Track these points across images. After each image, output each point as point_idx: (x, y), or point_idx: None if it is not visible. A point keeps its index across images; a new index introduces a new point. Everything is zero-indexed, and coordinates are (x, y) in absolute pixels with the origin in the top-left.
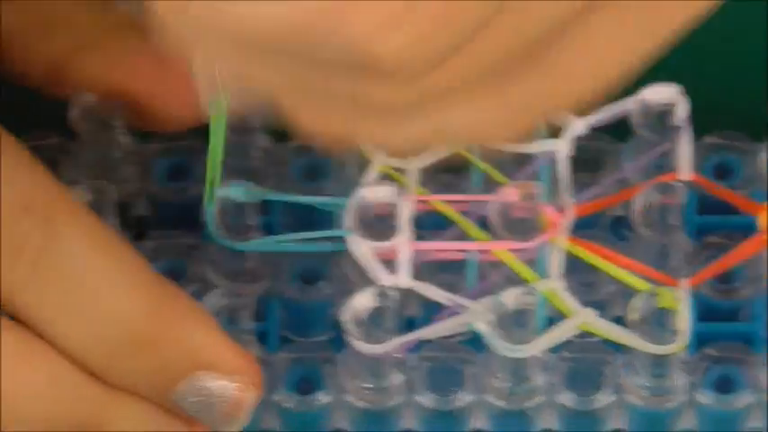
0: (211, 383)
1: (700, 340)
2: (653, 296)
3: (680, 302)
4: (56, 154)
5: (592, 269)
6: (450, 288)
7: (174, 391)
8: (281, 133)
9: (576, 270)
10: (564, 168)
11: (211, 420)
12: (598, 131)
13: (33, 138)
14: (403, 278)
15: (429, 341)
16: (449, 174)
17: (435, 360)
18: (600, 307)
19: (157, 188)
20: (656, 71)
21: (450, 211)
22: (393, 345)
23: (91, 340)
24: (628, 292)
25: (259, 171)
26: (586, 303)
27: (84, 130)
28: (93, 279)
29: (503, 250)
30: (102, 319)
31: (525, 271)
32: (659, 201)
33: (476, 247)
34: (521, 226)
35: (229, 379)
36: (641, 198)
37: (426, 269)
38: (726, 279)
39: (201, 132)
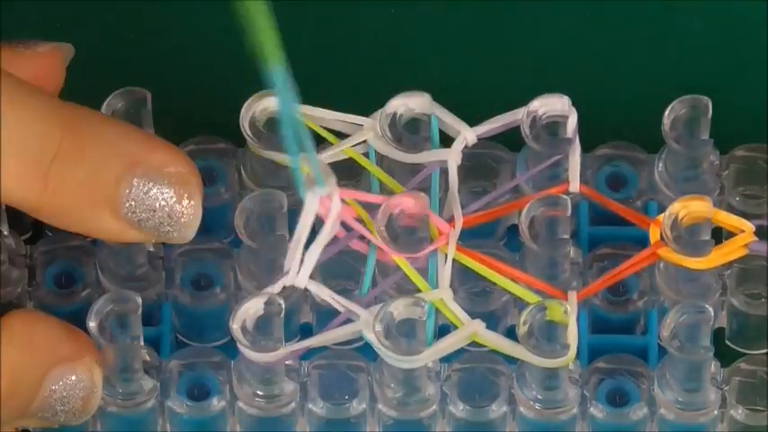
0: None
1: (593, 352)
2: (541, 309)
3: (568, 316)
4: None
5: (484, 280)
6: (343, 294)
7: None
8: None
9: (472, 280)
10: (454, 179)
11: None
12: (492, 140)
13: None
14: (302, 278)
15: (324, 348)
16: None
17: (327, 368)
18: (493, 318)
19: None
20: (549, 82)
21: (358, 209)
22: (281, 353)
23: None
24: (521, 303)
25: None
26: (480, 314)
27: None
28: None
29: (400, 257)
30: None
31: (418, 279)
32: (545, 213)
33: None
34: (409, 236)
35: (166, 175)
36: (526, 212)
37: (323, 274)
38: (619, 291)
39: None
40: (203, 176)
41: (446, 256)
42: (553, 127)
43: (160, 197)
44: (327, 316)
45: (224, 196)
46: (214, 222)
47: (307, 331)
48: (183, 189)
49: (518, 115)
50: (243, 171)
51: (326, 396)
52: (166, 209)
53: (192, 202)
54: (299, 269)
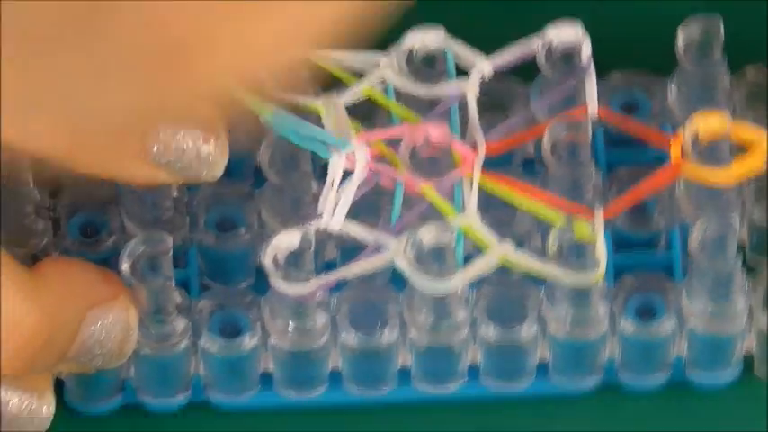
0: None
1: (618, 271)
2: (569, 228)
3: (595, 233)
4: None
5: (508, 207)
6: (371, 227)
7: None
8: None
9: (493, 207)
10: (473, 108)
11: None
12: (506, 74)
13: None
14: (336, 222)
15: (352, 281)
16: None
17: (357, 299)
18: (517, 242)
19: None
20: (558, 10)
21: (381, 147)
22: (314, 284)
23: None
24: (543, 227)
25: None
26: (504, 238)
27: None
28: None
29: (426, 185)
30: None
31: (445, 206)
32: (567, 137)
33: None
34: (433, 164)
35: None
36: (548, 135)
37: (348, 212)
38: (640, 212)
39: None
40: None
41: (471, 182)
42: (567, 54)
43: (188, 140)
44: (352, 253)
45: (244, 142)
46: (235, 166)
47: (332, 268)
48: (210, 131)
49: (533, 45)
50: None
51: (358, 326)
52: (194, 150)
53: (220, 141)
54: (333, 213)
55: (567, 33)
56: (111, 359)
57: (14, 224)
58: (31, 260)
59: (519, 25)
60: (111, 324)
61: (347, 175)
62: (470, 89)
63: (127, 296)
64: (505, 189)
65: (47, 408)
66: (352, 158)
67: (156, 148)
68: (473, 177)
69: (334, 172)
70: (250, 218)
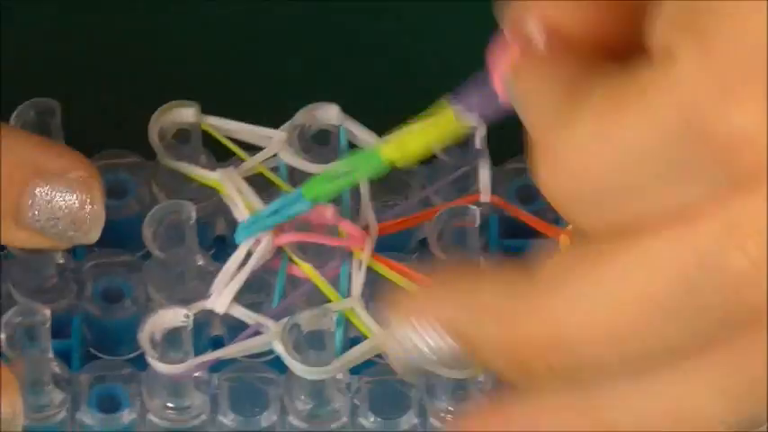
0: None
1: None
2: None
3: None
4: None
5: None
6: (256, 308)
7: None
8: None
9: (385, 291)
10: (365, 188)
11: (67, 229)
12: None
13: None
14: (222, 304)
15: (235, 361)
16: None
17: (238, 380)
18: None
19: None
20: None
21: None
22: (190, 364)
23: None
24: None
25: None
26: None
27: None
28: None
29: (308, 267)
30: None
31: (327, 289)
32: (454, 224)
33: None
34: (319, 247)
35: (67, 182)
36: (436, 221)
37: None
38: None
39: None
40: (114, 191)
41: (360, 265)
42: (464, 139)
43: (63, 204)
44: (239, 329)
45: (135, 209)
46: (125, 236)
47: (218, 344)
48: (86, 194)
49: None
50: (154, 184)
51: (237, 408)
52: (70, 215)
53: (95, 206)
54: (221, 295)
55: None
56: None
57: None
58: None
59: (415, 106)
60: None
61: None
62: None
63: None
64: (394, 274)
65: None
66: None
67: (30, 213)
68: (363, 258)
69: (241, 253)
70: (137, 289)
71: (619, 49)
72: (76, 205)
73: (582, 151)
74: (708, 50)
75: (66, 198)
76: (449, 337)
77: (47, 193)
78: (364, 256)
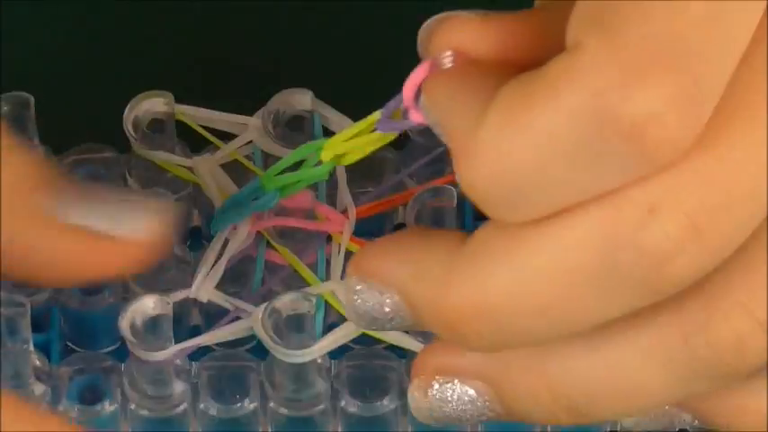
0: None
1: None
2: None
3: None
4: (109, 167)
5: None
6: (236, 296)
7: None
8: None
9: None
10: (341, 172)
11: None
12: None
13: (86, 150)
14: (204, 293)
15: (213, 349)
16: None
17: (217, 368)
18: None
19: None
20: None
21: None
22: (171, 351)
23: None
24: None
25: None
26: None
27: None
28: None
29: (286, 251)
30: None
31: (306, 273)
32: (431, 204)
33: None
34: (298, 232)
35: None
36: (414, 201)
37: None
38: None
39: None
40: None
41: (339, 249)
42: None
43: None
44: (217, 318)
45: None
46: None
47: (197, 334)
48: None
49: None
50: (128, 177)
51: (217, 396)
52: None
53: None
54: (203, 283)
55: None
56: None
57: None
58: None
59: (388, 90)
60: None
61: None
62: None
63: None
64: None
65: None
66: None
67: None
68: (342, 242)
69: (218, 240)
70: (115, 280)
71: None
72: None
73: (495, 147)
74: (612, 38)
75: None
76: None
77: None
78: (343, 239)
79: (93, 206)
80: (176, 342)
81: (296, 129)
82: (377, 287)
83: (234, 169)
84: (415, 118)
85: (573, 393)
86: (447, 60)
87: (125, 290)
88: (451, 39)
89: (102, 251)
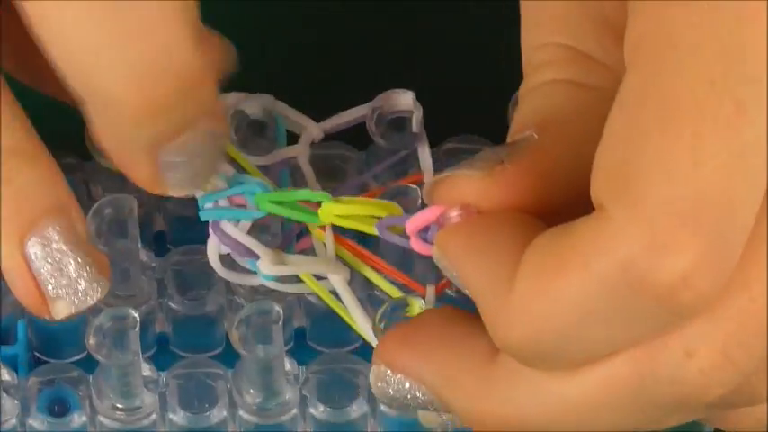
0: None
1: None
2: (401, 304)
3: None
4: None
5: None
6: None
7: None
8: None
9: None
10: (308, 171)
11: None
12: (338, 141)
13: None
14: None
15: (182, 358)
16: None
17: (186, 377)
18: None
19: None
20: (392, 78)
21: None
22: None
23: None
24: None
25: None
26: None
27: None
28: None
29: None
30: None
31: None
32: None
33: None
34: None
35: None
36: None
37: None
38: None
39: None
40: None
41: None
42: (399, 122)
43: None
44: (185, 324)
45: None
46: None
47: (164, 341)
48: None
49: (363, 111)
50: (91, 184)
51: (186, 405)
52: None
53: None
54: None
55: (398, 100)
56: None
57: None
58: None
59: (352, 93)
60: None
61: None
62: (301, 152)
63: None
64: (348, 254)
65: None
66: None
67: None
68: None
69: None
70: None
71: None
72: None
73: (528, 312)
74: (637, 205)
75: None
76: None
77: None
78: (327, 234)
79: None
80: (144, 349)
81: (259, 133)
82: (408, 380)
83: None
84: (418, 248)
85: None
86: (455, 215)
87: None
88: (456, 197)
89: None
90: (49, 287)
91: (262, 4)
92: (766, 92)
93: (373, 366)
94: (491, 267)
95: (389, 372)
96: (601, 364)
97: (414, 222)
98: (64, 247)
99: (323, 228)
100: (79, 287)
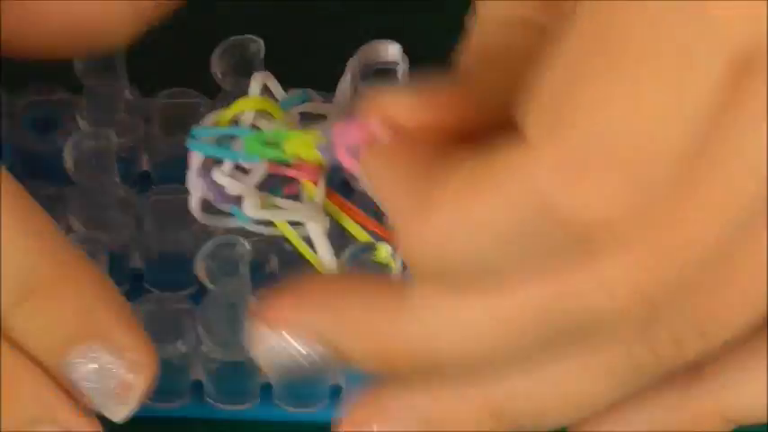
0: (104, 356)
1: None
2: (369, 248)
3: (394, 258)
4: (62, 108)
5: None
6: None
7: (65, 358)
8: None
9: None
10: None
11: (99, 399)
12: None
13: (40, 92)
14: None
15: (149, 291)
16: None
17: (152, 312)
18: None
19: None
20: (378, 30)
21: None
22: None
23: None
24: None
25: None
26: None
27: (90, 83)
28: None
29: None
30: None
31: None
32: None
33: None
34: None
35: (121, 355)
36: None
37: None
38: None
39: None
40: (43, 126)
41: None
42: (383, 74)
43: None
44: (159, 261)
45: (60, 143)
46: (50, 169)
47: (138, 278)
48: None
49: (348, 63)
50: (78, 117)
51: (151, 338)
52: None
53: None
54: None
55: (385, 52)
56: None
57: None
58: None
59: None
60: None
61: None
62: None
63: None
64: (330, 204)
65: None
66: None
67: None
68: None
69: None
70: (60, 222)
71: (478, 130)
72: (122, 379)
73: (442, 234)
74: (563, 135)
75: (115, 366)
76: (316, 345)
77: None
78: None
79: None
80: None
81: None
82: (296, 339)
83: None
84: (346, 162)
85: (519, 415)
86: (382, 137)
87: (68, 229)
88: (383, 113)
89: None
90: None
91: None
92: (719, 48)
93: (254, 332)
94: (410, 184)
95: (269, 333)
96: (511, 291)
97: (341, 134)
98: None
99: (313, 179)
100: None
